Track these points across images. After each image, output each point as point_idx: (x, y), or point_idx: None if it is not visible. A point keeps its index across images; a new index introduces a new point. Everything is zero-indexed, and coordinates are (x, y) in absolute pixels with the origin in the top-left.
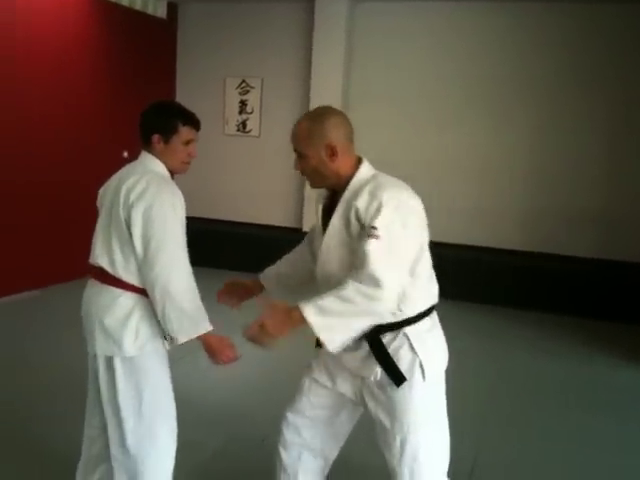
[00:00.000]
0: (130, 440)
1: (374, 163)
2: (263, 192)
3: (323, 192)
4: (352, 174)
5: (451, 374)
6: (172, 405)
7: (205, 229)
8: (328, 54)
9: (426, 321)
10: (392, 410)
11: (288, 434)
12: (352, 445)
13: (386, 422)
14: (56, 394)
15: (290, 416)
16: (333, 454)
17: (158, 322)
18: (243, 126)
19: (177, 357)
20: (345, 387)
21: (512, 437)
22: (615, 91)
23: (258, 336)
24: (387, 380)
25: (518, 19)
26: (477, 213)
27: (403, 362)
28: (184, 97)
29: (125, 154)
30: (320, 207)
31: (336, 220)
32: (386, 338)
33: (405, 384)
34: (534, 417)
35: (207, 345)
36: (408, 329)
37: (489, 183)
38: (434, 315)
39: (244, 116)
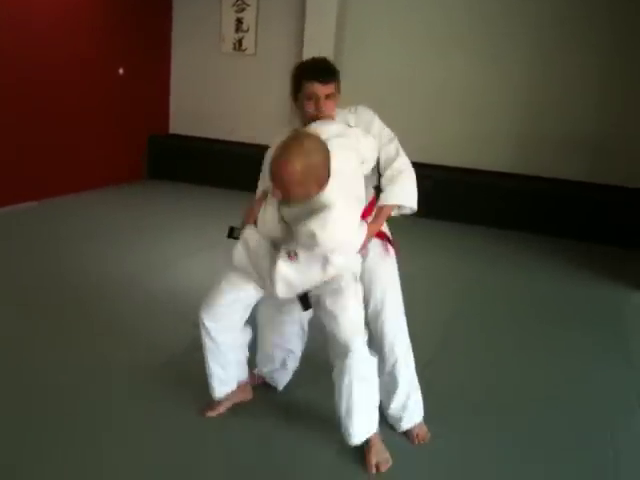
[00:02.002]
0: None
1: (370, 93)
2: (259, 111)
3: None
4: None
5: (434, 284)
6: None
7: (203, 148)
8: None
9: None
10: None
11: (207, 322)
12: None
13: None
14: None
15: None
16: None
17: None
18: (239, 44)
19: (194, 249)
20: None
21: (476, 341)
22: (607, 24)
23: None
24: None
25: None
26: (473, 138)
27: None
28: (181, 16)
29: (121, 71)
30: None
31: None
32: None
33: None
34: (506, 327)
35: None
36: None
37: (485, 110)
38: None
39: (240, 34)
